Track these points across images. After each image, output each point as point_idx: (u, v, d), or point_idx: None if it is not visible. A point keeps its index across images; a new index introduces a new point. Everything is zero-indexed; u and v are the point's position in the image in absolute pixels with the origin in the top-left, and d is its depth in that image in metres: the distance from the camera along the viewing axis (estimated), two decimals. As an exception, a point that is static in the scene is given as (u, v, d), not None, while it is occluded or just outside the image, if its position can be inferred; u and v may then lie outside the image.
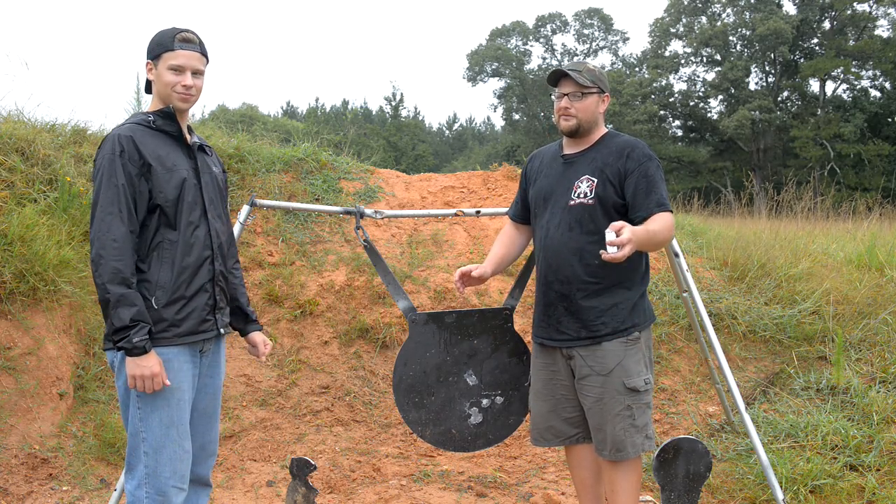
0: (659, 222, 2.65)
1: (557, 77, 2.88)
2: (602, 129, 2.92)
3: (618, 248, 2.39)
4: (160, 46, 2.44)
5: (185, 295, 2.41)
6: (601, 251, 2.45)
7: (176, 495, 2.41)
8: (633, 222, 2.71)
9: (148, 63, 2.47)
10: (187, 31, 2.47)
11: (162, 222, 2.39)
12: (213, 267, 2.50)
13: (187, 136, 2.53)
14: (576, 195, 2.80)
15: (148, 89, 2.54)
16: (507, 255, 3.11)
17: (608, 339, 2.76)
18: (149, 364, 2.29)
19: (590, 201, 2.77)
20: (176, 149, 2.47)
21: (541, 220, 2.92)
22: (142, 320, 2.28)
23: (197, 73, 2.47)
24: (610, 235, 2.41)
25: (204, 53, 2.50)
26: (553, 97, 2.93)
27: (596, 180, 2.78)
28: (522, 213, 3.10)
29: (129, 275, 2.28)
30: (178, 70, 2.43)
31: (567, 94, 2.84)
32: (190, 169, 2.48)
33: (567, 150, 2.93)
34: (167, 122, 2.46)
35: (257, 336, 2.77)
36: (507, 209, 3.25)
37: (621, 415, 2.75)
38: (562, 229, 2.81)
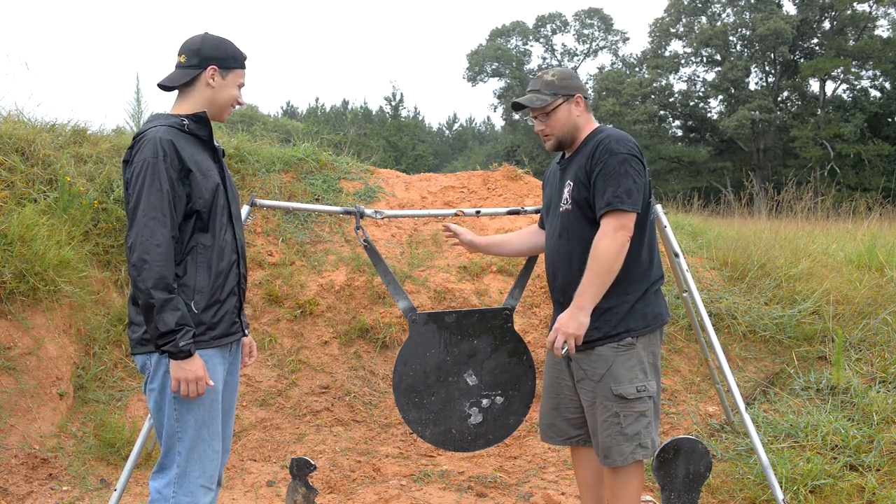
0: (592, 252, 2.60)
1: (518, 107, 2.85)
2: (588, 129, 2.83)
3: (562, 347, 2.63)
4: (235, 61, 2.50)
5: (220, 299, 2.44)
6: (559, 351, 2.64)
7: (204, 495, 2.43)
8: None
9: (212, 68, 2.46)
10: None
11: (197, 227, 2.40)
12: (239, 270, 2.54)
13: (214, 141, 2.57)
14: (563, 202, 2.80)
15: (174, 87, 2.51)
16: (508, 241, 3.20)
17: (600, 344, 2.72)
18: (193, 368, 2.30)
19: (570, 207, 2.76)
20: (205, 153, 2.49)
21: (546, 229, 2.98)
22: (186, 324, 2.28)
23: None
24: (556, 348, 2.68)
25: None
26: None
27: (573, 184, 2.75)
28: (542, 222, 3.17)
29: (172, 280, 2.28)
30: (241, 87, 2.55)
31: (537, 118, 2.82)
32: (218, 173, 2.51)
33: (565, 157, 2.92)
34: (200, 126, 2.48)
35: (246, 339, 2.76)
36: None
37: (608, 421, 2.72)
38: (554, 237, 2.84)
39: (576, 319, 2.61)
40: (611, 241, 2.58)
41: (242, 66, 2.54)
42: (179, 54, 2.50)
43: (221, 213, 2.46)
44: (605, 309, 2.71)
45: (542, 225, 3.16)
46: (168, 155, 2.32)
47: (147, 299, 2.24)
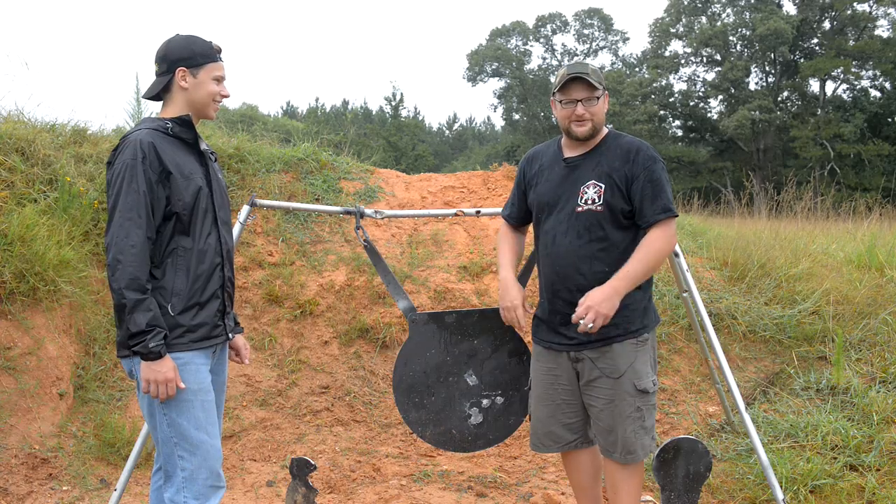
0: (649, 246, 2.65)
1: (568, 81, 2.74)
2: (604, 129, 2.84)
3: (592, 323, 2.58)
4: (203, 57, 2.48)
5: (199, 301, 2.43)
6: (580, 324, 2.61)
7: (214, 494, 2.44)
8: (640, 229, 2.72)
9: (181, 70, 2.46)
10: (216, 43, 2.54)
11: (177, 230, 2.41)
12: (223, 273, 2.53)
13: (200, 143, 2.56)
14: (583, 201, 2.72)
15: (158, 96, 2.53)
16: (517, 255, 3.05)
17: (619, 341, 2.72)
18: (163, 369, 2.30)
19: (598, 208, 2.70)
20: (190, 156, 2.49)
21: (545, 227, 2.83)
22: (157, 325, 2.29)
23: None
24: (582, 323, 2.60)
25: None
26: (558, 101, 2.78)
27: (603, 186, 2.70)
28: (519, 216, 3.02)
29: (145, 281, 2.30)
30: (220, 80, 2.52)
31: (581, 100, 2.72)
32: (203, 176, 2.50)
33: (568, 153, 2.83)
34: (184, 129, 2.48)
35: (239, 339, 2.75)
36: (503, 209, 3.15)
37: (632, 417, 2.73)
38: (570, 237, 2.73)
39: (610, 301, 2.58)
40: (668, 243, 2.67)
41: (214, 59, 2.50)
42: (154, 64, 2.53)
43: (204, 217, 2.46)
44: (623, 306, 2.67)
45: (515, 221, 3.04)
46: (147, 157, 2.33)
47: (119, 299, 2.26)
